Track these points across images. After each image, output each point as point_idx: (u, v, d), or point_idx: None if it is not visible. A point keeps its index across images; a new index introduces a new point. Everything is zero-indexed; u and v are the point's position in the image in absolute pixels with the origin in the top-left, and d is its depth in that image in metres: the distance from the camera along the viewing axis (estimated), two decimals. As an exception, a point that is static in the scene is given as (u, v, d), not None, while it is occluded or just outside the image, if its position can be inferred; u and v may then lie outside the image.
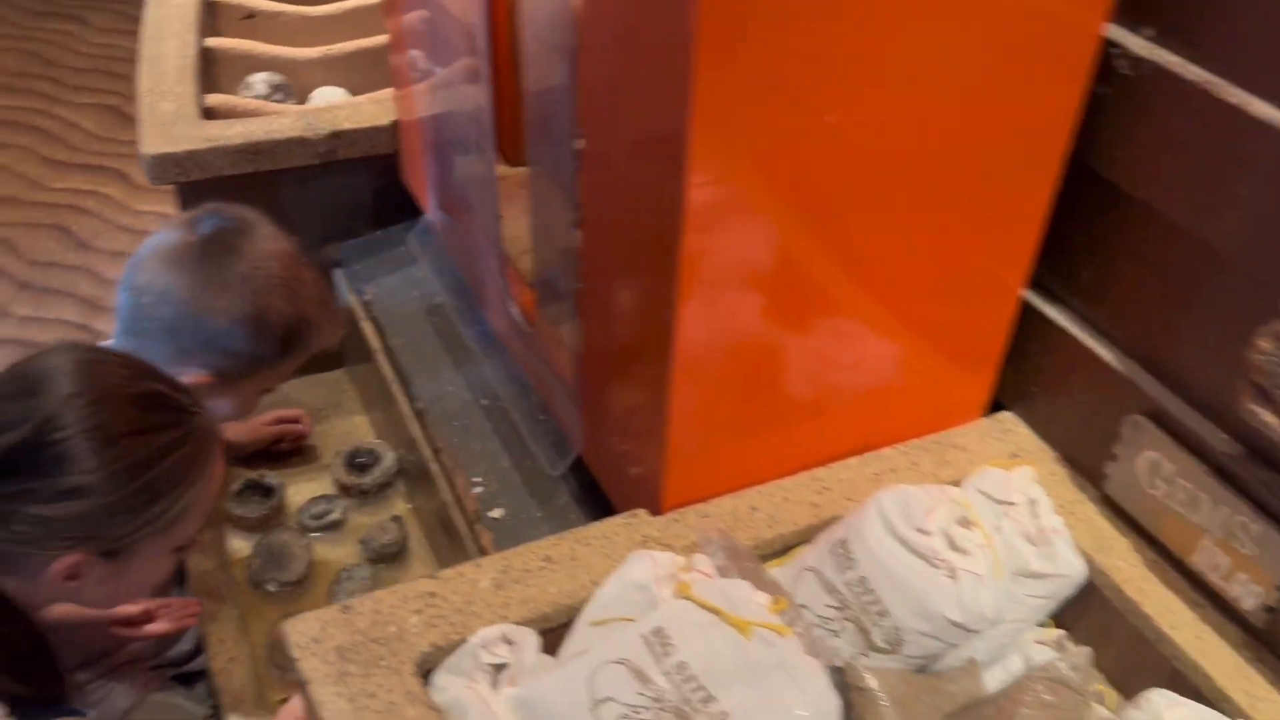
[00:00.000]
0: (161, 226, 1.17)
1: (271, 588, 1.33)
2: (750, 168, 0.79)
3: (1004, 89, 0.85)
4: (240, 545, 1.41)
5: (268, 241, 1.14)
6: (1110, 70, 0.89)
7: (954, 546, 0.87)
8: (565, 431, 1.12)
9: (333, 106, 1.63)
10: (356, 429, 1.60)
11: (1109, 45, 0.88)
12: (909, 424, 1.05)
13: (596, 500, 1.15)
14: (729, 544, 0.89)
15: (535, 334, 1.14)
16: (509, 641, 0.82)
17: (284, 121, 1.45)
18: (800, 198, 0.83)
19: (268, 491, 1.44)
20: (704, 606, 0.79)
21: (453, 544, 1.32)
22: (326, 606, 0.84)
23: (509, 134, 1.20)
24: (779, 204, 0.82)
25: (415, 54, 1.29)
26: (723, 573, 0.86)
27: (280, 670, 1.22)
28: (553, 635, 0.87)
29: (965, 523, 0.90)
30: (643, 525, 0.94)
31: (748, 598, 0.81)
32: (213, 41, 1.75)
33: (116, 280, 2.58)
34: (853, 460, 1.03)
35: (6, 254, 2.68)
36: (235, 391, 1.20)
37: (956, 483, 1.01)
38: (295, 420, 1.51)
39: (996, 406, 1.11)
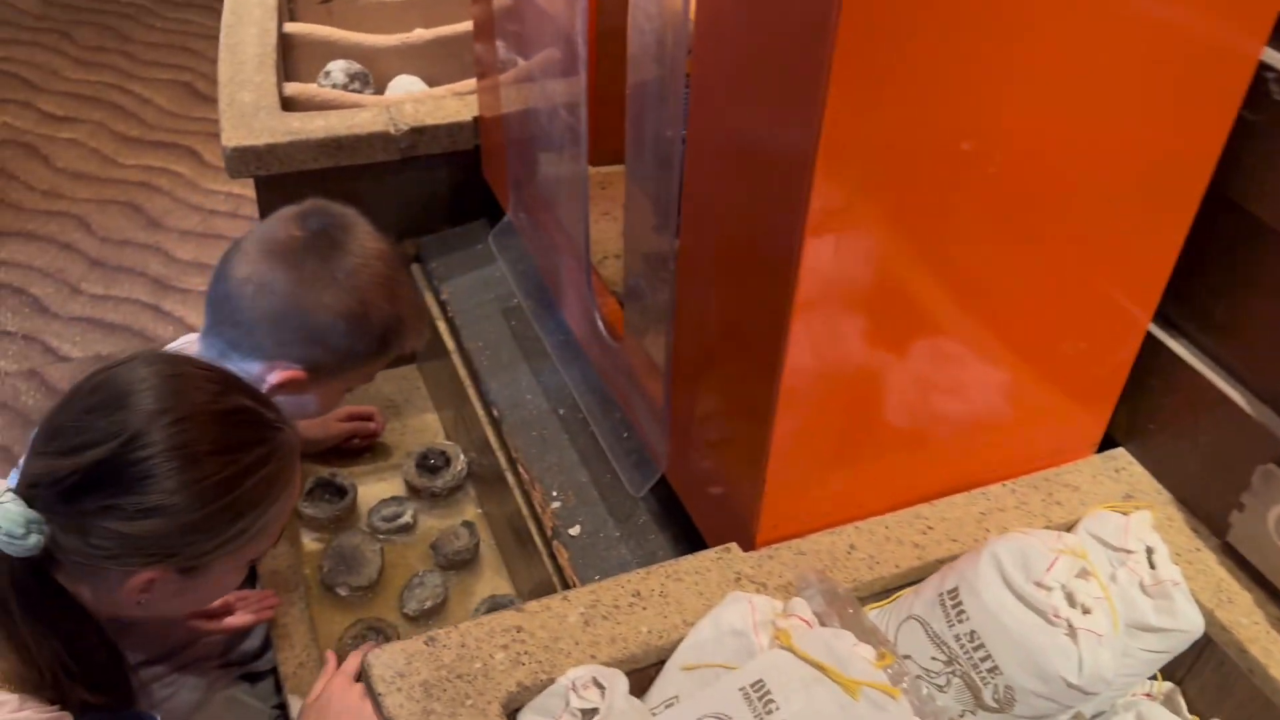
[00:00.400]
0: (266, 220, 1.16)
1: (342, 592, 1.31)
2: (877, 187, 0.74)
3: (1150, 113, 0.79)
4: (310, 544, 1.39)
5: (370, 240, 1.14)
6: (1263, 95, 0.82)
7: (1073, 602, 0.82)
8: (649, 451, 1.08)
9: (414, 99, 1.60)
10: (428, 427, 1.58)
11: (1263, 69, 0.82)
12: (1018, 459, 0.99)
13: (678, 522, 1.11)
14: (828, 588, 0.84)
15: (621, 347, 1.10)
16: (599, 685, 0.78)
17: (365, 115, 1.42)
18: (926, 220, 0.78)
19: (340, 491, 1.42)
20: (807, 660, 0.75)
21: (525, 553, 1.29)
22: (411, 639, 0.81)
23: (594, 129, 1.16)
24: (903, 226, 0.77)
25: (502, 47, 1.25)
26: (822, 619, 0.82)
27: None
28: (639, 674, 0.84)
29: (1084, 574, 0.85)
30: (735, 561, 0.90)
31: (852, 652, 0.76)
32: (291, 27, 1.73)
33: (187, 260, 2.62)
34: (958, 497, 0.98)
35: (80, 230, 2.70)
36: (323, 388, 1.19)
37: (1068, 525, 0.96)
38: (368, 418, 1.49)
39: (1108, 442, 1.05)
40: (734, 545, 0.91)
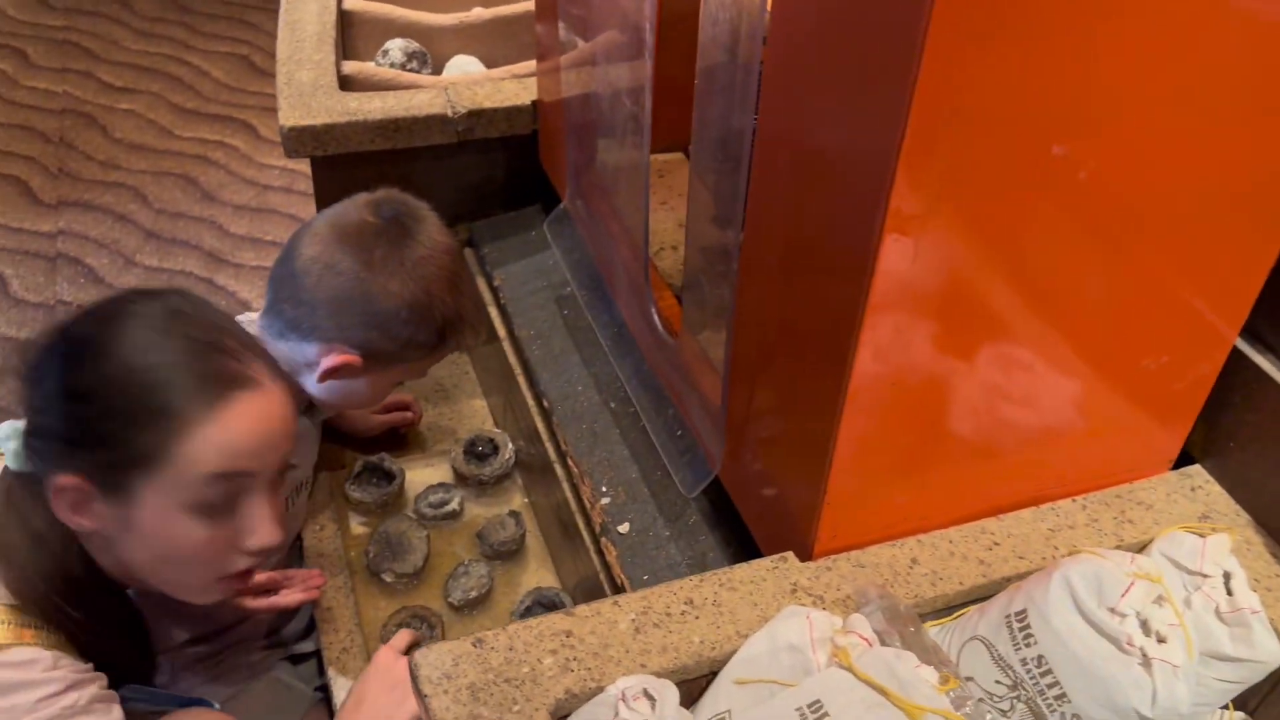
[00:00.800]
0: (339, 204, 1.16)
1: (388, 578, 1.30)
2: (960, 188, 0.70)
3: (1254, 123, 0.74)
4: (356, 528, 1.38)
5: (440, 234, 1.14)
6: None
7: (1148, 631, 0.78)
8: (703, 450, 1.06)
9: (472, 81, 1.57)
10: (476, 413, 1.56)
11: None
12: (1089, 474, 0.95)
13: (728, 523, 1.09)
14: (889, 604, 0.81)
15: (677, 343, 1.07)
16: (650, 696, 0.76)
17: (423, 97, 1.40)
18: (1008, 225, 0.74)
19: (388, 476, 1.41)
20: (867, 682, 0.72)
21: (571, 545, 1.27)
22: (459, 640, 0.79)
23: (655, 116, 1.13)
24: (984, 230, 0.73)
25: (564, 30, 1.22)
26: (882, 637, 0.79)
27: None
28: (689, 685, 0.81)
29: (1159, 600, 0.81)
30: (792, 571, 0.87)
31: (915, 675, 0.73)
32: (351, 4, 1.71)
33: (240, 235, 2.62)
34: (1025, 512, 0.94)
35: (136, 201, 2.72)
36: (376, 377, 1.18)
37: (1140, 545, 0.92)
38: (405, 408, 1.48)
39: (1184, 459, 1.00)
40: (790, 554, 0.89)
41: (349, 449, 1.45)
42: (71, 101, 3.07)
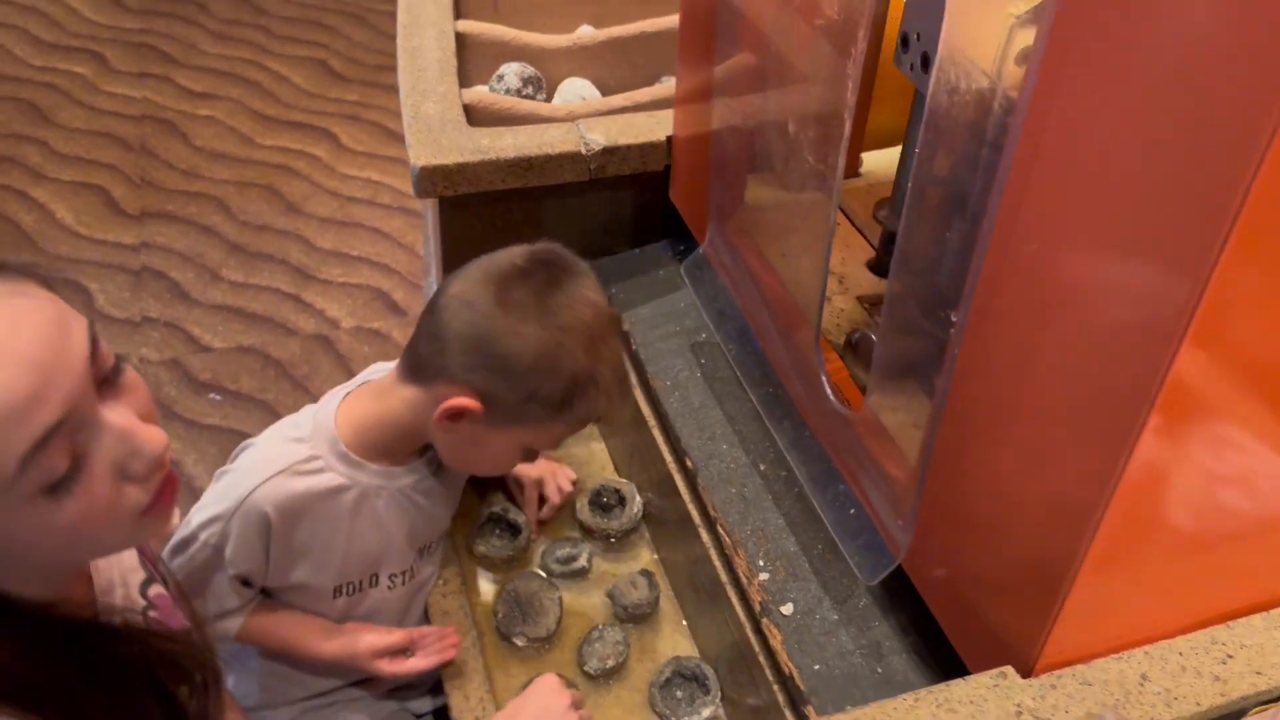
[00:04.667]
0: (498, 251, 1.10)
1: (519, 642, 1.24)
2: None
3: None
4: (483, 585, 1.33)
5: (591, 291, 1.07)
6: None
7: None
8: (882, 534, 0.98)
9: (591, 110, 1.51)
10: (594, 458, 1.50)
11: None
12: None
13: (905, 608, 1.01)
14: (1131, 733, 0.74)
15: (857, 416, 1.00)
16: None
17: (555, 134, 1.34)
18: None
19: (513, 529, 1.35)
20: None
21: (709, 610, 1.20)
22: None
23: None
24: None
25: (724, 69, 1.14)
26: (1129, 773, 0.72)
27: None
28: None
29: None
30: (1014, 690, 0.80)
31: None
32: (463, 26, 1.65)
33: (327, 249, 2.58)
34: (1256, 619, 0.86)
35: (220, 213, 2.69)
36: (499, 435, 1.10)
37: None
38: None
39: None
40: (1009, 670, 0.81)
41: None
42: (151, 108, 3.05)
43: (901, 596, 1.01)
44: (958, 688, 0.80)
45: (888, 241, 1.14)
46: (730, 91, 1.13)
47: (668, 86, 1.62)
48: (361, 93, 3.16)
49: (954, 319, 0.77)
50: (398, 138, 2.99)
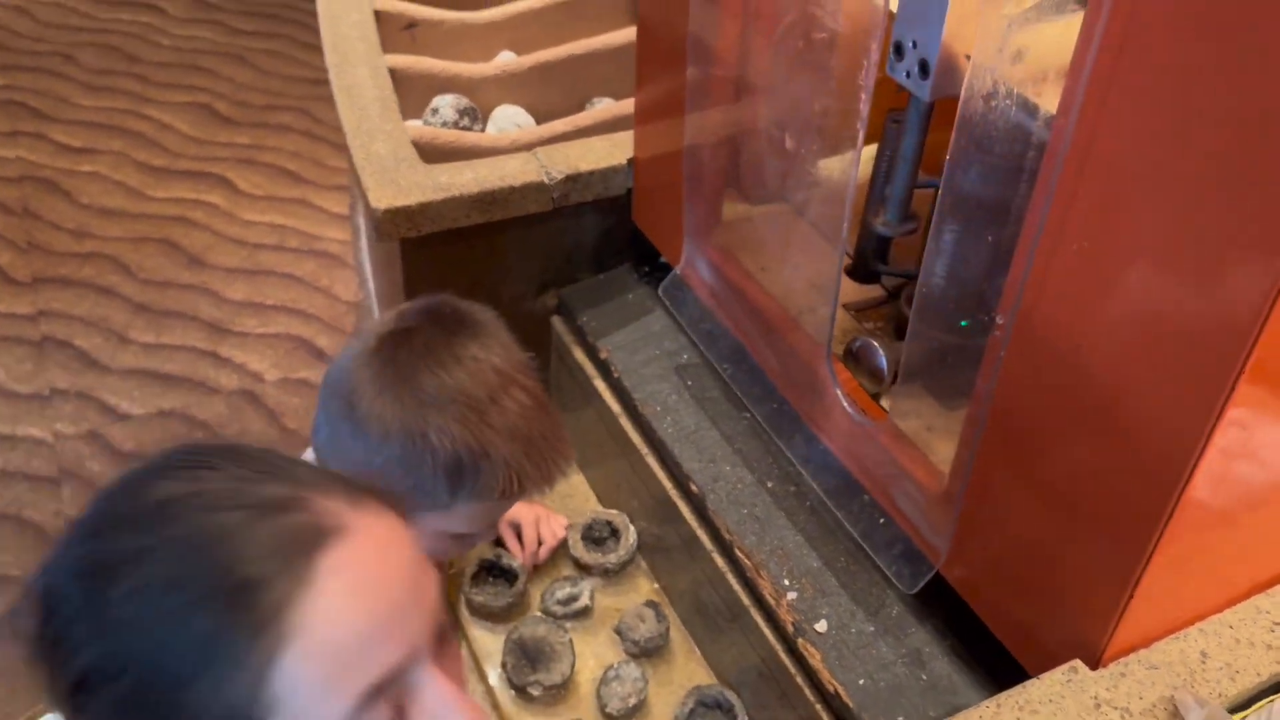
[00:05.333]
0: (383, 316, 0.97)
1: (535, 691, 1.20)
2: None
3: None
4: (480, 635, 1.28)
5: (478, 348, 0.92)
6: None
7: None
8: (917, 541, 0.98)
9: (543, 141, 1.48)
10: (575, 490, 1.46)
11: None
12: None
13: (939, 610, 1.01)
14: (1214, 712, 0.75)
15: (880, 428, 0.99)
16: None
17: (514, 165, 1.30)
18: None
19: (508, 575, 1.30)
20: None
21: (722, 633, 1.19)
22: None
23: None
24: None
25: (697, 83, 1.13)
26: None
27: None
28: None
29: None
30: (1087, 683, 0.80)
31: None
32: (391, 60, 1.60)
33: (238, 300, 2.47)
34: (1292, 585, 0.89)
35: (118, 272, 2.55)
36: (412, 528, 0.95)
37: None
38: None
39: None
40: (1078, 663, 0.81)
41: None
42: (28, 167, 2.87)
43: (934, 600, 1.01)
44: (1034, 688, 0.80)
45: (877, 245, 1.14)
46: (707, 108, 1.12)
47: (609, 108, 1.60)
48: (253, 135, 3.05)
49: (999, 321, 0.77)
50: (297, 178, 2.89)
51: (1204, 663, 0.82)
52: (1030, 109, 0.74)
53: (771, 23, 0.96)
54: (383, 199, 1.21)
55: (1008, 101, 0.74)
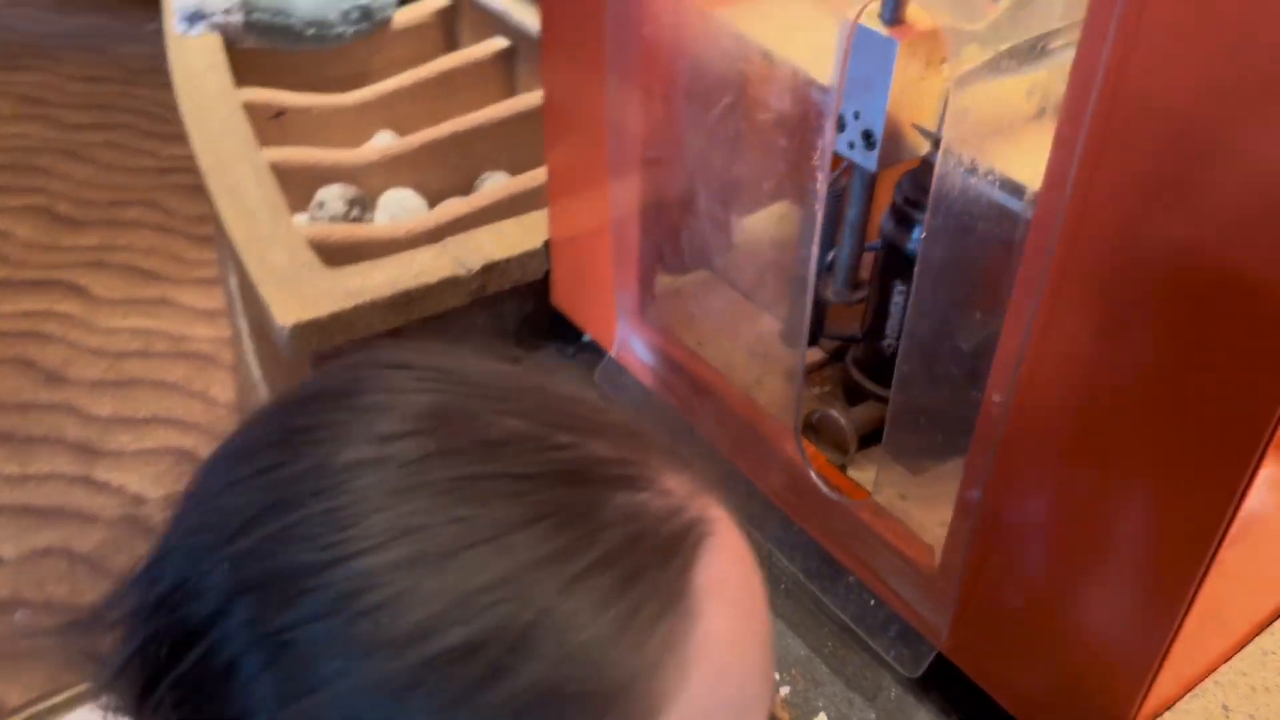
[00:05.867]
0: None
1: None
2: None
3: None
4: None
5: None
6: None
7: None
8: (912, 621, 0.94)
9: (438, 225, 1.41)
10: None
11: None
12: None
13: (938, 687, 0.98)
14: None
15: (862, 505, 0.96)
16: None
17: (424, 259, 1.23)
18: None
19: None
20: None
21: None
22: None
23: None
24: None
25: (619, 153, 1.08)
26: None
27: None
28: None
29: None
30: (1124, 758, 0.77)
31: None
32: (270, 155, 1.50)
33: (107, 416, 2.28)
34: (1287, 621, 0.88)
35: (-35, 400, 2.33)
36: None
37: None
38: None
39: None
40: (1109, 737, 0.79)
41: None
42: None
43: (931, 677, 0.98)
44: (1075, 772, 0.76)
45: (816, 312, 1.11)
46: (636, 186, 1.07)
47: (505, 185, 1.54)
48: (102, 235, 2.85)
49: (996, 399, 0.74)
50: (155, 276, 2.72)
51: (1228, 716, 0.81)
52: (1012, 185, 0.72)
53: (705, 105, 0.92)
54: (289, 314, 1.12)
55: (988, 177, 0.71)
